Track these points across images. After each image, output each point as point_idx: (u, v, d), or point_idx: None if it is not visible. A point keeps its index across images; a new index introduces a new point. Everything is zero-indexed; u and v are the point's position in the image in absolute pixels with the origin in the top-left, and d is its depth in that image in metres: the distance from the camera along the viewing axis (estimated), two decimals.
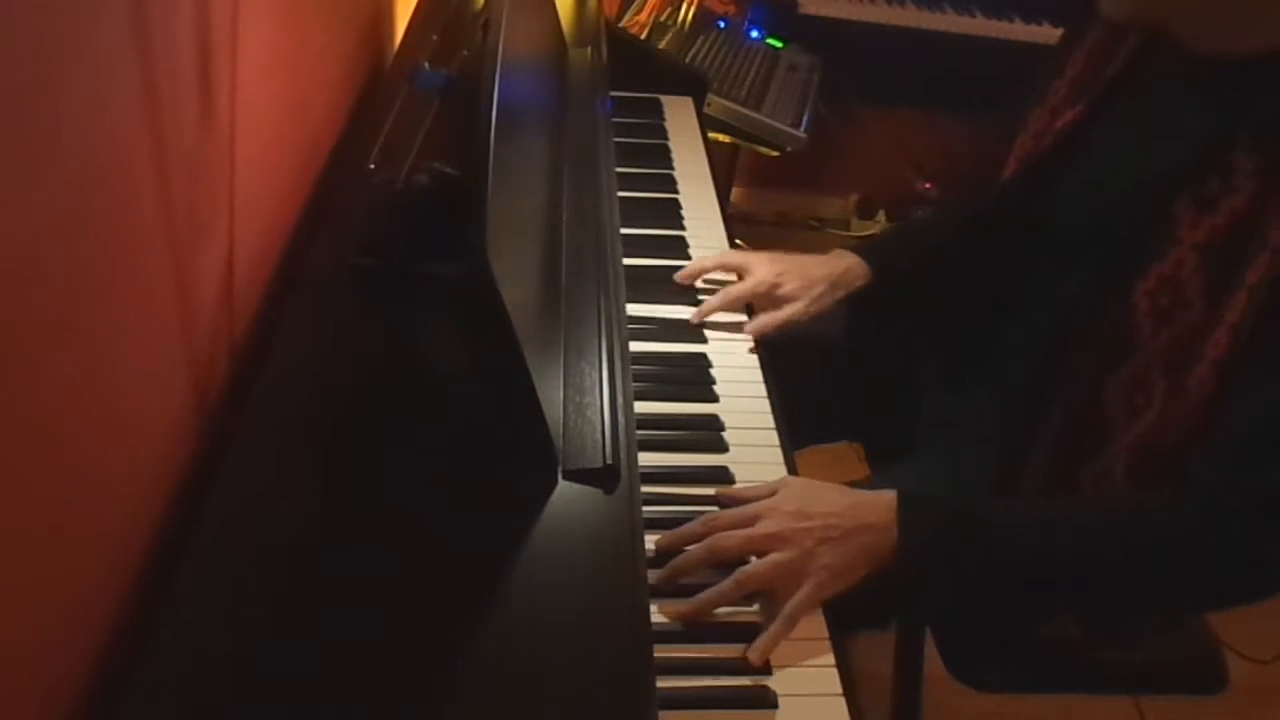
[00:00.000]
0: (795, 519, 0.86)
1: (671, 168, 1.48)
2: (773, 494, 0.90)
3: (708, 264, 1.23)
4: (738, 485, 0.96)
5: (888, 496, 0.89)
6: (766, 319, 1.18)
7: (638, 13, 2.13)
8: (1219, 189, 0.89)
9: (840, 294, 1.20)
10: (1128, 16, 0.99)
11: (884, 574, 0.87)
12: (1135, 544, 0.88)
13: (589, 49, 1.43)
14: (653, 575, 0.85)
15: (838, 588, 0.86)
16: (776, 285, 1.19)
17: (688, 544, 0.87)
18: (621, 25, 2.02)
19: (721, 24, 2.24)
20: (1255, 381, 0.87)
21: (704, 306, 1.18)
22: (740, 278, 1.21)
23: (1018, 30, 2.33)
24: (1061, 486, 1.00)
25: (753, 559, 0.86)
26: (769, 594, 0.85)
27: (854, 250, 1.24)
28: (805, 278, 1.19)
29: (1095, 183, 1.06)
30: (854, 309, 1.27)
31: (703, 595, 0.83)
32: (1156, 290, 0.92)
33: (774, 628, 0.82)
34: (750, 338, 1.16)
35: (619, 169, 1.29)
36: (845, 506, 0.88)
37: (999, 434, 1.08)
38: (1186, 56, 0.96)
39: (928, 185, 2.57)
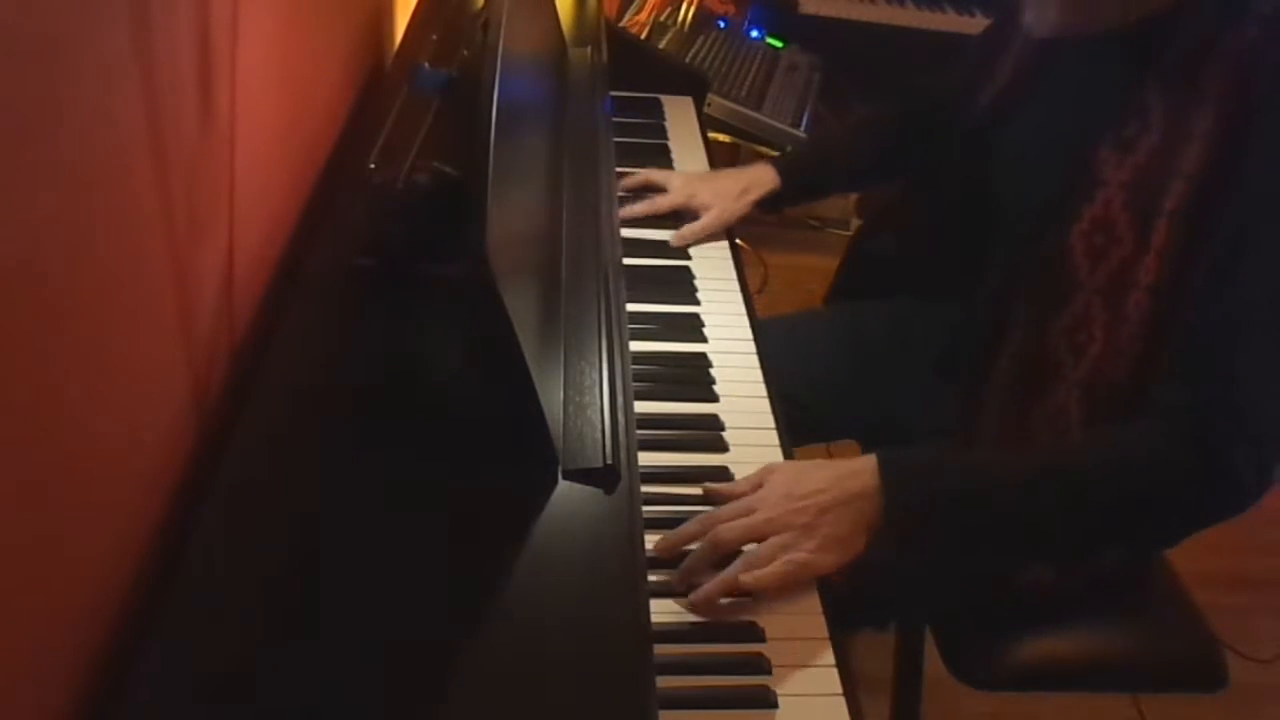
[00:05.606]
0: (787, 502, 0.88)
1: (672, 167, 1.48)
2: (758, 485, 0.91)
3: (638, 178, 1.40)
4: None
5: (870, 461, 0.91)
6: (688, 229, 1.32)
7: (638, 13, 2.13)
8: (1137, 131, 0.96)
9: (751, 197, 1.36)
10: (1052, 32, 1.08)
11: (882, 538, 0.89)
12: (1124, 472, 0.91)
13: (589, 49, 1.43)
14: (656, 577, 0.85)
15: (843, 557, 0.88)
16: (692, 197, 1.35)
17: (687, 544, 0.88)
18: (621, 25, 2.03)
19: (721, 24, 2.25)
20: (1194, 303, 0.91)
21: (628, 210, 1.33)
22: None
23: None
24: (1016, 431, 1.03)
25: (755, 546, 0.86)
26: None
27: (769, 161, 1.41)
28: (716, 188, 1.36)
29: (1028, 146, 1.12)
30: (844, 305, 1.37)
31: (708, 586, 0.84)
32: (1090, 231, 0.98)
33: (774, 565, 0.85)
34: (747, 338, 1.17)
35: (619, 169, 1.29)
36: (832, 480, 0.90)
37: (958, 390, 1.10)
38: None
39: None
